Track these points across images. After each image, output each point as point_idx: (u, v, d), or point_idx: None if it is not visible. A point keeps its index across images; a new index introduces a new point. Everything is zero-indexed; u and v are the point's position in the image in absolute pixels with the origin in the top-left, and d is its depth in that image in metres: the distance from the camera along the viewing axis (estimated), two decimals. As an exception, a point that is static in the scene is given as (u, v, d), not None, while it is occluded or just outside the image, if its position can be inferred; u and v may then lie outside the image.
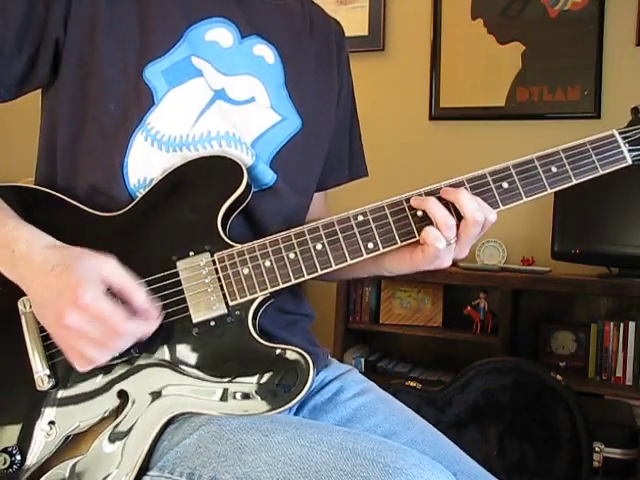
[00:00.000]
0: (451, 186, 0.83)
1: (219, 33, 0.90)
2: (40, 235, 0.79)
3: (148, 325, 0.78)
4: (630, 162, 0.84)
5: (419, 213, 0.83)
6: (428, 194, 0.83)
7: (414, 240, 0.83)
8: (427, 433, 0.95)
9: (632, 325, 2.30)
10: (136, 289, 0.77)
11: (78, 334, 0.74)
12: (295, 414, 0.97)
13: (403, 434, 0.92)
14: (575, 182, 0.84)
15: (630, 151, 0.84)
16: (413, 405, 1.90)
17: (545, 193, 0.83)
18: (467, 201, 0.80)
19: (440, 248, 0.81)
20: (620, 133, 0.85)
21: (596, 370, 2.33)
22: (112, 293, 0.76)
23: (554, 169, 0.83)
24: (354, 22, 2.84)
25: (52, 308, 0.74)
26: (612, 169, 0.84)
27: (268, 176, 0.92)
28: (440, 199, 0.82)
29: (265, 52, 0.95)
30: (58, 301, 0.73)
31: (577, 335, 2.42)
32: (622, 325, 2.31)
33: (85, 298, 0.72)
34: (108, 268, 0.76)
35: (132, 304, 0.76)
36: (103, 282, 0.75)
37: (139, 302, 0.77)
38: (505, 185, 0.83)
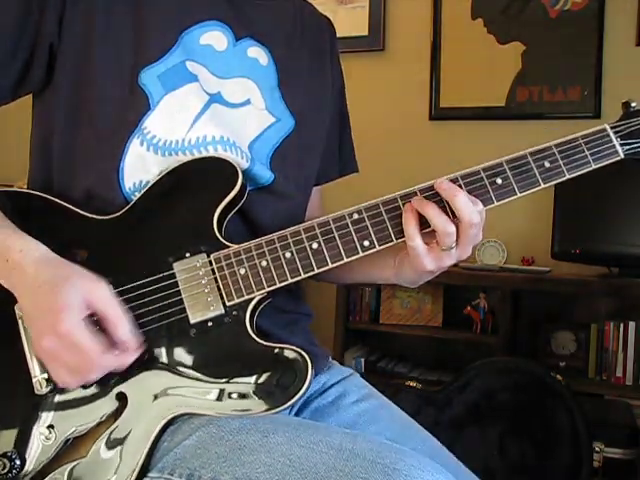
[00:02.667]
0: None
1: (213, 36, 0.90)
2: (34, 246, 0.79)
3: (124, 358, 0.77)
4: (622, 156, 0.84)
5: None
6: (422, 191, 0.83)
7: None
8: (427, 443, 0.95)
9: (632, 325, 2.30)
10: (119, 320, 0.76)
11: (53, 357, 0.75)
12: (296, 416, 0.97)
13: (404, 443, 0.91)
14: (568, 177, 0.84)
15: (622, 145, 0.84)
16: (413, 405, 1.91)
17: (539, 188, 0.83)
18: (463, 204, 0.80)
19: (414, 246, 0.81)
20: (612, 127, 0.85)
21: (596, 370, 2.33)
22: (96, 318, 0.76)
23: (547, 164, 0.83)
24: (354, 22, 2.83)
25: (35, 326, 0.76)
26: (605, 163, 0.84)
27: (264, 177, 0.92)
28: (437, 201, 0.81)
29: (259, 54, 0.95)
30: (40, 321, 0.74)
31: (577, 335, 2.41)
32: (622, 325, 2.31)
33: (64, 326, 0.72)
34: (95, 294, 0.75)
35: (113, 335, 0.76)
36: (88, 308, 0.75)
37: (119, 334, 0.76)
38: (499, 181, 0.83)
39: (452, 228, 0.80)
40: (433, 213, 0.80)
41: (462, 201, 0.80)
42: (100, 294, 0.76)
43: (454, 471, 0.89)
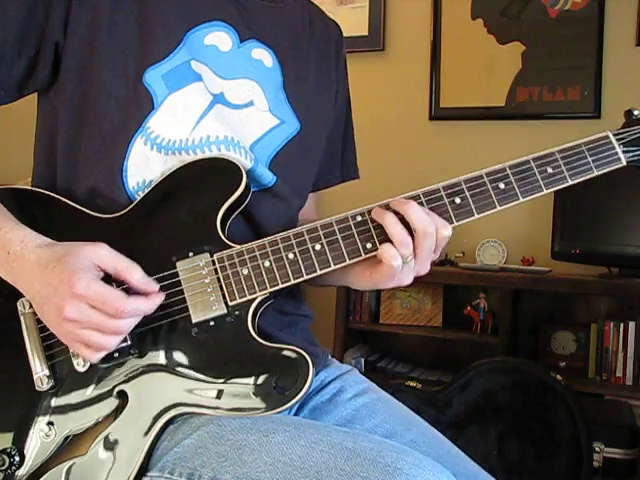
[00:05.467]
0: (446, 187, 0.84)
1: (218, 37, 0.90)
2: (34, 236, 0.79)
3: (149, 301, 0.77)
4: (624, 163, 0.85)
5: None
6: (425, 195, 0.83)
7: None
8: (427, 434, 0.95)
9: (632, 325, 2.30)
10: (130, 267, 0.77)
11: (81, 324, 0.74)
12: (295, 414, 0.97)
13: (403, 435, 0.92)
14: (571, 183, 0.85)
15: (624, 152, 0.85)
16: (413, 405, 1.90)
17: (541, 194, 0.84)
18: (416, 213, 0.80)
19: (395, 266, 0.80)
20: (614, 134, 0.86)
21: (596, 370, 2.33)
22: (109, 278, 0.76)
23: (550, 170, 0.84)
24: (354, 22, 2.83)
25: (51, 304, 0.74)
26: (607, 170, 0.85)
27: (267, 178, 0.92)
28: (395, 212, 0.81)
29: (263, 56, 0.95)
30: (55, 296, 0.73)
31: (577, 335, 2.42)
32: (622, 325, 2.31)
33: (80, 286, 0.72)
34: (99, 253, 0.76)
35: (129, 282, 0.77)
36: (97, 268, 0.75)
37: (135, 278, 0.77)
38: (502, 186, 0.84)
39: (408, 238, 0.80)
40: (389, 222, 0.80)
41: (414, 210, 0.80)
42: (103, 252, 0.76)
43: (455, 460, 0.89)
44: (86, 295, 0.72)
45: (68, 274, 0.73)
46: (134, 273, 0.77)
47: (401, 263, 0.81)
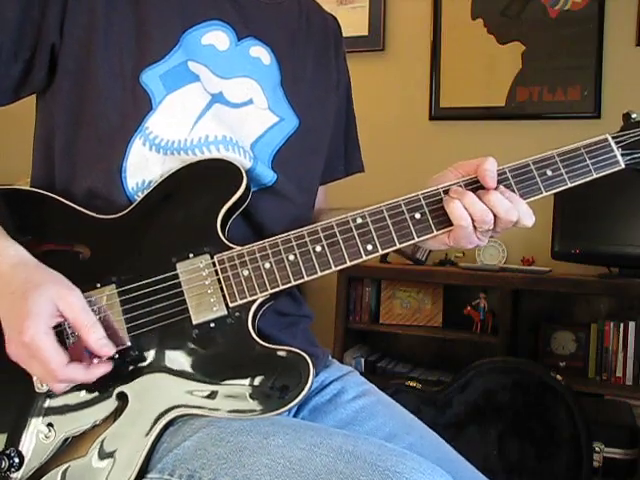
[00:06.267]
0: (446, 191, 0.84)
1: (215, 36, 0.90)
2: (13, 250, 0.79)
3: (89, 372, 0.77)
4: (623, 166, 0.86)
5: (417, 216, 0.83)
6: (426, 197, 0.84)
7: (412, 242, 0.83)
8: (427, 437, 0.95)
9: (632, 325, 2.30)
10: (91, 327, 0.76)
11: (22, 363, 0.76)
12: (295, 415, 0.97)
13: (403, 438, 0.92)
14: (570, 185, 0.85)
15: (623, 155, 0.86)
16: (413, 405, 1.91)
17: (541, 196, 0.85)
18: (500, 202, 0.81)
19: (467, 230, 0.81)
20: (613, 137, 0.86)
21: (596, 370, 2.33)
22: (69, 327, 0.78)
23: (549, 172, 0.84)
24: (354, 22, 2.83)
25: (6, 331, 0.76)
26: (606, 172, 0.86)
27: (267, 177, 0.92)
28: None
29: (261, 53, 0.95)
30: (9, 327, 0.75)
31: (577, 335, 2.42)
32: (622, 325, 2.31)
33: (27, 334, 0.72)
34: (67, 300, 0.75)
35: (85, 342, 0.76)
36: (57, 315, 0.75)
37: (91, 341, 0.76)
38: (501, 189, 0.83)
39: (490, 216, 0.81)
40: (472, 201, 0.81)
41: (498, 199, 0.81)
42: (72, 300, 0.76)
43: (454, 465, 0.89)
44: (29, 345, 0.73)
45: (24, 314, 0.73)
46: (93, 333, 0.76)
47: (472, 230, 0.82)
